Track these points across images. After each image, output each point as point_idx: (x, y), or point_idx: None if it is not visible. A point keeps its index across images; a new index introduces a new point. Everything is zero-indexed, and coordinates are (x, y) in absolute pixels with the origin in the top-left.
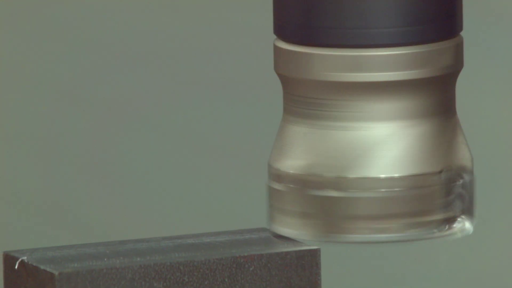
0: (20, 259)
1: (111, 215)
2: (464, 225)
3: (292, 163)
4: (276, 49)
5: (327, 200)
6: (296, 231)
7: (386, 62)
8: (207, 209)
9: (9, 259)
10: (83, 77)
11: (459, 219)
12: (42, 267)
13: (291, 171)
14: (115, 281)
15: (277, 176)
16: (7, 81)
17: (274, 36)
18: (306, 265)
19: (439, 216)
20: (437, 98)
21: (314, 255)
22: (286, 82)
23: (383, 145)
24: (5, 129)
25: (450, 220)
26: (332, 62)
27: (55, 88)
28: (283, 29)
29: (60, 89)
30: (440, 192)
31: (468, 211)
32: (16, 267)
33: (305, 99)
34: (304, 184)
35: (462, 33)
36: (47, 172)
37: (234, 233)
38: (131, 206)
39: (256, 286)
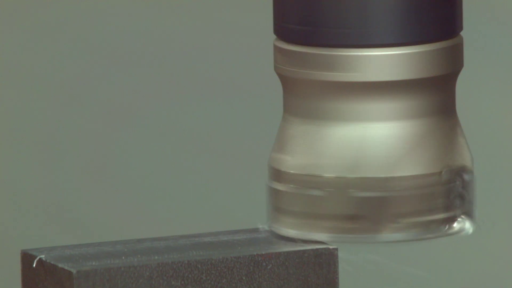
0: (38, 258)
1: (111, 215)
2: (464, 225)
3: (292, 163)
4: (276, 49)
5: (327, 200)
6: (296, 231)
7: (386, 62)
8: (206, 209)
9: (27, 257)
10: (83, 77)
11: (459, 219)
12: (60, 265)
13: (291, 171)
14: (132, 279)
15: (277, 176)
16: (7, 81)
17: (274, 36)
18: (324, 263)
19: (439, 216)
20: (437, 98)
21: (331, 253)
22: (286, 82)
23: (383, 145)
24: (5, 129)
25: (450, 220)
26: (332, 62)
27: (55, 88)
28: (283, 29)
29: (60, 89)
30: (440, 192)
31: (468, 211)
32: (34, 265)
33: (304, 99)
34: (304, 184)
35: (462, 33)
36: (47, 172)
37: (252, 231)
38: (131, 206)
39: (274, 285)
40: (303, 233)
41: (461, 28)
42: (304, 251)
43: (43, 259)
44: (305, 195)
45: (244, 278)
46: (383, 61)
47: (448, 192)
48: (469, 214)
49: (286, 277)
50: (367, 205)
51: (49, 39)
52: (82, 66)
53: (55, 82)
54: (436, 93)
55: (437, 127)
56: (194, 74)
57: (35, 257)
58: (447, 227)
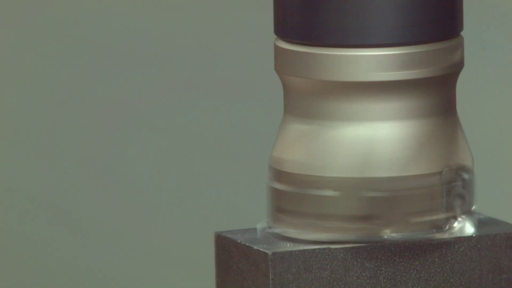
0: (232, 240)
1: (111, 215)
2: (464, 225)
3: (293, 162)
4: (277, 48)
5: (327, 200)
6: (296, 230)
7: (386, 62)
8: (207, 209)
9: (221, 239)
10: (83, 77)
11: (459, 219)
12: (255, 247)
13: (292, 171)
14: (327, 261)
15: (277, 175)
16: (7, 81)
17: (275, 36)
18: None
19: (439, 216)
20: (437, 98)
21: None
22: (287, 82)
23: (383, 145)
24: (5, 129)
25: (450, 220)
26: (332, 62)
27: (55, 88)
28: (283, 29)
29: (60, 89)
30: (441, 192)
31: (469, 211)
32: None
33: (305, 99)
34: (304, 184)
35: (462, 33)
36: (47, 172)
37: None
38: (132, 206)
39: (466, 267)
40: (304, 233)
41: (461, 28)
42: (496, 234)
43: (238, 241)
44: (306, 195)
45: (437, 260)
46: (383, 61)
47: (449, 192)
48: (469, 214)
49: (478, 259)
50: (369, 205)
51: (49, 39)
52: (82, 66)
53: (55, 82)
54: (436, 93)
55: (437, 127)
56: (194, 74)
57: (229, 239)
58: (447, 227)
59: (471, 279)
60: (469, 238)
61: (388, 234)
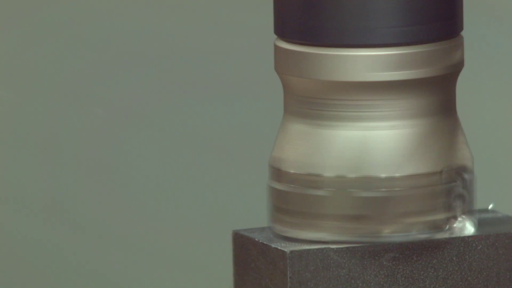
0: (250, 238)
1: (111, 215)
2: (465, 224)
3: (293, 162)
4: (277, 49)
5: (327, 199)
6: (296, 230)
7: (386, 62)
8: (207, 209)
9: (239, 237)
10: (84, 77)
11: (459, 218)
12: (273, 245)
13: (292, 171)
14: (345, 259)
15: (277, 175)
16: (7, 81)
17: (275, 36)
18: None
19: (439, 216)
20: (437, 98)
21: None
22: (287, 82)
23: (383, 144)
24: (5, 129)
25: (451, 220)
26: (332, 62)
27: (56, 88)
28: (283, 29)
29: (60, 89)
30: (441, 192)
31: (469, 211)
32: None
33: (305, 98)
34: (304, 183)
35: (462, 33)
36: (48, 172)
37: None
38: (132, 206)
39: (484, 265)
40: (304, 233)
41: (461, 28)
42: None
43: (256, 239)
44: (305, 195)
45: (454, 258)
46: (383, 61)
47: (449, 192)
48: (469, 214)
49: (496, 257)
50: (368, 205)
51: (49, 39)
52: (82, 66)
53: (55, 82)
54: (437, 93)
55: (438, 127)
56: (194, 74)
57: (246, 237)
58: (447, 227)
59: (489, 277)
60: (487, 236)
61: (387, 234)
